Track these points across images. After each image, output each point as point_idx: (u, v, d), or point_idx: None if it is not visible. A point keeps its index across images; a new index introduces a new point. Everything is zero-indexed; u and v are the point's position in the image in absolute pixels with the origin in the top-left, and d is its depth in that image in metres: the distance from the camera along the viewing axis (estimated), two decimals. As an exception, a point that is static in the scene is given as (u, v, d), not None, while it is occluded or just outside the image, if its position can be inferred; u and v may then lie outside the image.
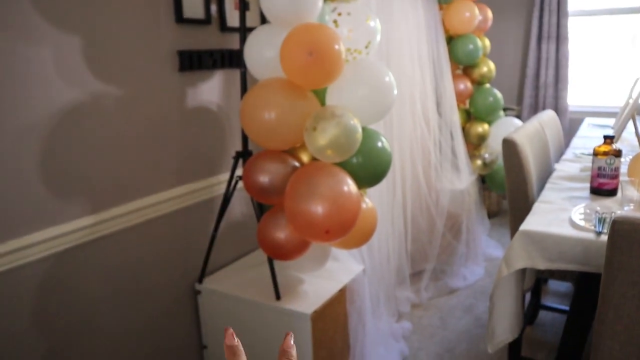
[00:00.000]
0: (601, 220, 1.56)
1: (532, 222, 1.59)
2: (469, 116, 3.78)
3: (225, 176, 2.24)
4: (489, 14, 3.69)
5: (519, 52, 4.42)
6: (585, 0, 4.21)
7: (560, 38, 4.12)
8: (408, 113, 3.10)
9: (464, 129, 3.66)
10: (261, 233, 1.96)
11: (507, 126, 3.60)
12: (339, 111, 1.76)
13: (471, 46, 3.51)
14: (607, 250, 1.22)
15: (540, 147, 2.60)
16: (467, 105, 3.78)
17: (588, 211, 1.67)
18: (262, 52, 1.92)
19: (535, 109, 4.32)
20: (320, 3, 1.86)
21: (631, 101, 2.76)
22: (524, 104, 4.35)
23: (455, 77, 3.65)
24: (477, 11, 3.46)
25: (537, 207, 1.76)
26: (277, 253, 1.95)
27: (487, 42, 3.79)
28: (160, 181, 2.04)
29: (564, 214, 1.65)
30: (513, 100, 4.49)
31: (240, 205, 2.40)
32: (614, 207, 1.71)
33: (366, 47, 1.93)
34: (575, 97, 4.35)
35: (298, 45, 1.73)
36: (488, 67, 3.68)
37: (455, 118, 3.48)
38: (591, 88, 4.36)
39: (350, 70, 1.88)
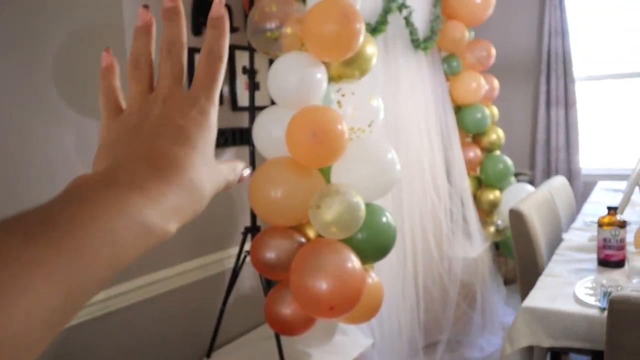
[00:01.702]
0: (606, 295, 1.55)
1: (536, 298, 1.59)
2: (480, 183, 3.80)
3: (235, 250, 2.28)
4: (496, 83, 3.78)
5: (529, 117, 4.49)
6: (591, 65, 4.31)
7: (568, 103, 4.19)
8: (417, 182, 3.14)
9: (475, 197, 3.68)
10: (268, 308, 1.98)
11: (518, 192, 3.60)
12: (342, 189, 1.82)
13: (479, 115, 3.59)
14: (607, 329, 1.21)
15: (549, 215, 2.60)
16: (478, 173, 3.81)
17: (594, 285, 1.66)
18: (270, 132, 2.01)
19: (548, 174, 4.32)
20: (324, 85, 1.97)
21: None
22: (537, 169, 4.37)
23: (465, 145, 3.71)
24: (483, 81, 3.55)
25: (541, 281, 1.75)
26: (283, 329, 1.95)
27: (495, 110, 3.87)
28: (171, 256, 2.09)
29: (569, 288, 1.64)
30: (526, 165, 4.51)
31: (250, 279, 2.43)
32: (621, 280, 1.70)
33: (369, 125, 2.00)
34: (589, 161, 4.35)
35: (302, 126, 1.81)
36: (497, 134, 3.74)
37: (465, 185, 3.51)
38: (604, 151, 4.38)
39: (354, 148, 1.95)
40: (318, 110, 1.85)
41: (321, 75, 1.95)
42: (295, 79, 1.90)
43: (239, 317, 2.39)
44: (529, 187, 3.71)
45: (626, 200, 2.09)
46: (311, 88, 1.92)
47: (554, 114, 4.23)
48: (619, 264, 1.84)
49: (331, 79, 2.08)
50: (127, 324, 1.92)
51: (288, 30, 1.96)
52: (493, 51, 3.61)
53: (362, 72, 2.13)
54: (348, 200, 1.80)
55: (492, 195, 3.67)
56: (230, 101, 2.35)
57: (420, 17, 3.35)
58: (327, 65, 2.03)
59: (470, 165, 3.69)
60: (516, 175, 4.32)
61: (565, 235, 2.28)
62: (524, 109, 4.50)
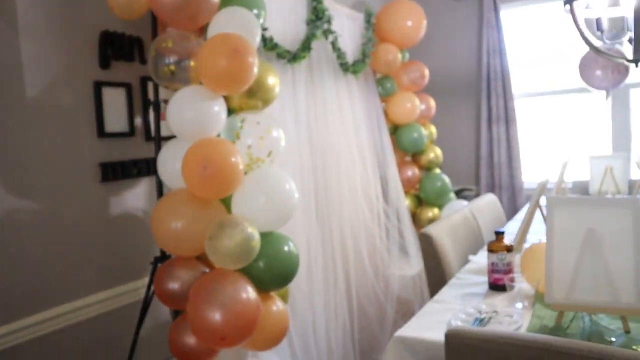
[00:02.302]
0: (478, 321, 1.60)
1: (410, 327, 1.62)
2: (420, 201, 3.86)
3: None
4: (432, 102, 3.86)
5: (473, 134, 4.57)
6: (529, 82, 4.41)
7: (508, 120, 4.28)
8: (349, 201, 3.18)
9: (414, 215, 3.74)
10: (172, 338, 1.99)
11: (457, 209, 3.66)
12: (235, 220, 1.85)
13: (415, 135, 3.65)
14: (445, 363, 1.25)
15: (468, 237, 2.65)
16: (418, 191, 3.87)
17: (472, 310, 1.70)
18: (173, 164, 2.03)
19: (492, 188, 4.40)
20: (222, 117, 2.00)
21: (564, 185, 2.84)
22: (482, 184, 4.44)
23: (403, 164, 3.77)
24: (417, 102, 3.63)
25: (426, 307, 1.79)
26: (187, 358, 1.97)
27: (433, 129, 3.94)
28: (82, 287, 2.11)
29: (448, 315, 1.68)
30: (472, 180, 4.58)
31: (165, 308, 2.44)
32: (501, 305, 1.74)
33: (268, 155, 2.04)
34: (532, 175, 4.44)
35: (194, 160, 1.85)
36: (435, 153, 3.81)
37: (402, 204, 3.56)
38: (545, 165, 4.46)
39: (252, 179, 1.99)
40: (210, 143, 1.89)
41: (219, 107, 1.98)
42: (191, 112, 1.94)
43: (156, 347, 2.40)
44: (466, 204, 3.76)
45: (520, 235, 2.14)
46: (208, 121, 1.95)
47: (495, 130, 4.31)
48: (506, 287, 1.89)
49: (233, 111, 2.12)
50: (35, 357, 1.93)
51: (192, 63, 2.00)
52: (426, 72, 3.69)
53: (265, 102, 2.18)
54: (240, 232, 1.83)
55: (431, 212, 3.72)
56: (144, 132, 2.38)
57: (353, 41, 3.42)
58: (229, 96, 2.08)
59: (409, 183, 3.75)
60: (462, 190, 4.40)
61: (472, 257, 2.33)
62: (468, 126, 4.58)
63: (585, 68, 3.62)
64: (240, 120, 2.08)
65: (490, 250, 1.92)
